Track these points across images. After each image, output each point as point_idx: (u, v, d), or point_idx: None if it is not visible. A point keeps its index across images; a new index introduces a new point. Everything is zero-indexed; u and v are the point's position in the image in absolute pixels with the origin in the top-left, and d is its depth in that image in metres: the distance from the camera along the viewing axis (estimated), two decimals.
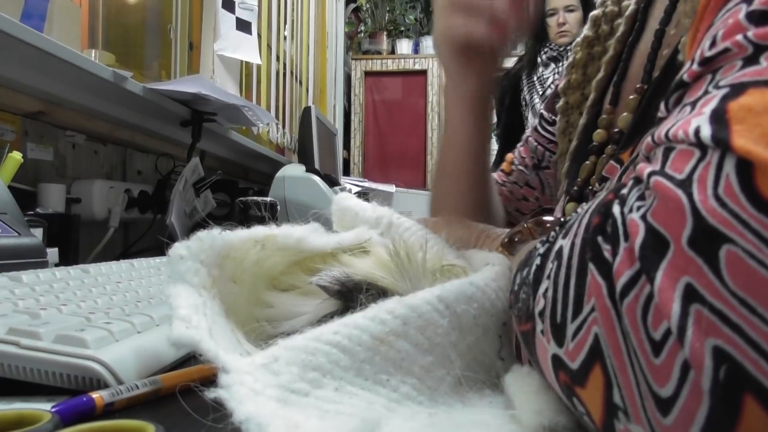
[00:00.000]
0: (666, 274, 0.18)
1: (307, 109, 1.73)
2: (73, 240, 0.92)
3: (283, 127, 2.29)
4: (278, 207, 1.07)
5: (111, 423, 0.26)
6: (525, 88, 2.43)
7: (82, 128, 1.09)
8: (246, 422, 0.22)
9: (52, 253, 0.75)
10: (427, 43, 3.82)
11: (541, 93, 2.34)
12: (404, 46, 3.86)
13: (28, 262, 0.61)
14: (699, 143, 0.19)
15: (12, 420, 0.25)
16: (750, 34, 0.20)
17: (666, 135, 0.21)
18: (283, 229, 0.37)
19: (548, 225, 0.40)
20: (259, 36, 1.80)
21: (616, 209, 0.21)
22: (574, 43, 0.55)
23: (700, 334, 0.17)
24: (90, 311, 0.39)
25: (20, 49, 0.77)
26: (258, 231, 0.36)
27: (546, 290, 0.24)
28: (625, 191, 0.22)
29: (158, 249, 1.16)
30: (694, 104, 0.21)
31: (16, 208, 0.68)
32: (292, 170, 1.50)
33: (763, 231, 0.16)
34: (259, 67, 1.92)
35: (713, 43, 0.22)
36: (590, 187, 0.47)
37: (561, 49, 2.32)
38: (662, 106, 0.25)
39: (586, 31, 0.54)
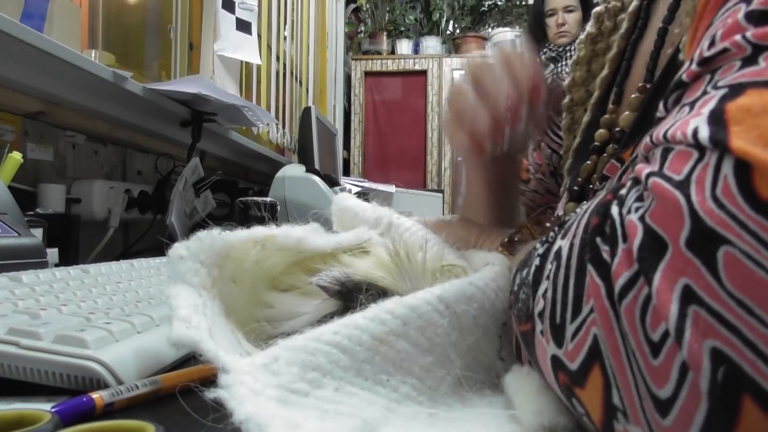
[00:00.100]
0: (664, 276, 0.18)
1: (307, 109, 1.73)
2: (73, 240, 0.92)
3: (283, 127, 2.29)
4: (278, 207, 1.07)
5: (111, 423, 0.26)
6: None
7: (82, 128, 1.09)
8: (246, 422, 0.22)
9: (52, 253, 0.75)
10: (427, 44, 3.82)
11: None
12: (404, 46, 3.85)
13: (28, 262, 0.61)
14: (697, 144, 0.19)
15: (12, 420, 0.25)
16: (749, 34, 0.20)
17: (664, 136, 0.21)
18: (283, 230, 0.37)
19: (548, 225, 0.40)
20: (259, 36, 1.80)
21: (614, 210, 0.21)
22: (578, 41, 0.55)
23: (698, 336, 0.17)
24: (90, 311, 0.39)
25: (20, 49, 0.77)
26: (258, 231, 0.36)
27: (545, 291, 0.24)
28: (623, 192, 0.22)
29: (158, 249, 1.16)
30: (692, 104, 0.21)
31: (16, 208, 0.68)
32: (292, 170, 1.50)
33: (761, 232, 0.16)
34: (259, 67, 1.92)
35: (712, 43, 0.22)
36: (591, 186, 0.47)
37: (560, 49, 2.32)
38: (661, 105, 0.25)
39: (589, 28, 0.54)
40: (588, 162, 0.47)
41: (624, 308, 0.19)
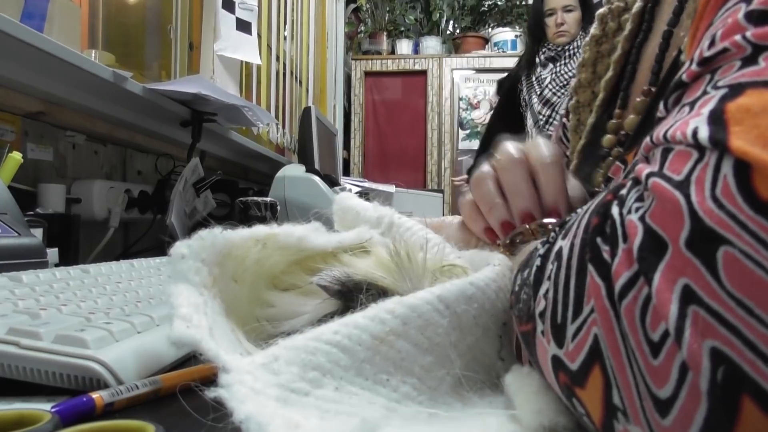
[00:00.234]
0: (664, 276, 0.18)
1: (307, 109, 1.73)
2: (73, 240, 0.92)
3: (283, 127, 2.29)
4: (278, 207, 1.07)
5: (111, 423, 0.26)
6: (524, 89, 2.43)
7: (82, 128, 1.09)
8: (246, 422, 0.22)
9: (52, 253, 0.75)
10: (427, 43, 3.82)
11: (539, 93, 2.34)
12: (404, 46, 3.86)
13: (28, 262, 0.61)
14: (697, 144, 0.19)
15: (12, 420, 0.26)
16: (749, 34, 0.20)
17: (664, 136, 0.21)
18: (285, 228, 0.37)
19: (549, 226, 0.40)
20: (259, 36, 1.80)
21: (614, 210, 0.21)
22: (583, 43, 0.55)
23: (697, 336, 0.17)
24: (90, 311, 0.39)
25: (20, 49, 0.77)
26: (259, 230, 0.36)
27: (546, 291, 0.24)
28: (623, 192, 0.22)
29: (158, 249, 1.16)
30: (692, 105, 0.21)
31: (16, 208, 0.68)
32: (292, 170, 1.50)
33: (761, 232, 0.16)
34: (259, 67, 1.92)
35: (712, 43, 0.22)
36: (596, 189, 0.47)
37: (559, 48, 2.32)
38: (661, 106, 0.25)
39: (594, 30, 0.54)
40: (599, 170, 0.47)
41: (624, 308, 0.19)
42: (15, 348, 0.32)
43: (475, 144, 3.55)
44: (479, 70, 3.72)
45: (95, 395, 0.29)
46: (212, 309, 0.32)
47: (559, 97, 2.28)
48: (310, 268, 0.38)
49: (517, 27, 3.82)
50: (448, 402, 0.29)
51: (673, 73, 0.40)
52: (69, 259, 0.87)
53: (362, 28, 4.03)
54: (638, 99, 0.43)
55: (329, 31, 3.18)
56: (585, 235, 0.22)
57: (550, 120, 2.29)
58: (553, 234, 0.27)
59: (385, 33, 3.88)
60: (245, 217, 1.01)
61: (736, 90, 0.19)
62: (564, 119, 0.67)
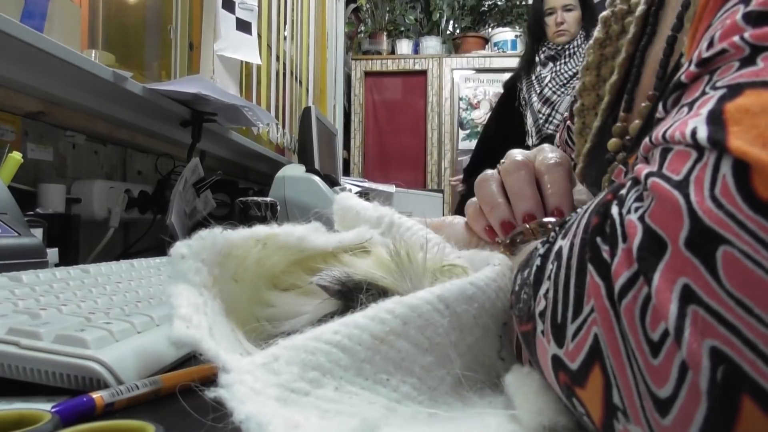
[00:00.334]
0: (663, 275, 0.18)
1: (307, 109, 1.73)
2: (73, 240, 0.92)
3: (283, 127, 2.29)
4: (278, 207, 1.07)
5: (111, 423, 0.26)
6: (524, 88, 2.43)
7: (82, 128, 1.09)
8: (246, 421, 0.22)
9: (52, 253, 0.75)
10: (427, 43, 3.82)
11: (539, 91, 2.34)
12: (404, 46, 3.86)
13: (28, 262, 0.61)
14: (696, 144, 0.19)
15: (12, 420, 0.26)
16: (747, 35, 0.20)
17: (663, 136, 0.21)
18: (285, 228, 0.37)
19: (549, 225, 0.40)
20: (259, 36, 1.80)
21: (614, 210, 0.22)
22: (587, 46, 0.55)
23: (697, 335, 0.17)
24: (90, 311, 0.39)
25: (20, 49, 0.77)
26: (260, 230, 0.36)
27: (547, 291, 0.24)
28: (623, 192, 0.22)
29: (158, 249, 1.16)
30: (691, 105, 0.21)
31: (16, 208, 0.68)
32: (292, 170, 1.50)
33: (760, 232, 0.16)
34: (259, 67, 1.92)
35: (711, 44, 0.22)
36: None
37: (559, 48, 2.32)
38: (660, 106, 0.25)
39: (597, 33, 0.54)
40: (607, 174, 0.47)
41: (624, 308, 0.19)
42: (15, 348, 0.32)
43: (475, 144, 3.55)
44: (479, 70, 3.73)
45: (95, 395, 0.29)
46: (212, 309, 0.32)
47: (559, 95, 2.28)
48: (311, 268, 0.38)
49: (517, 27, 3.82)
50: (448, 402, 0.29)
51: (673, 77, 0.40)
52: (69, 259, 0.87)
53: (362, 28, 4.03)
54: (643, 104, 0.43)
55: (329, 31, 3.18)
56: (585, 235, 0.22)
57: (550, 119, 2.29)
58: (553, 234, 0.27)
59: (385, 33, 3.88)
60: (245, 217, 1.01)
61: (734, 90, 0.19)
62: (568, 122, 0.67)
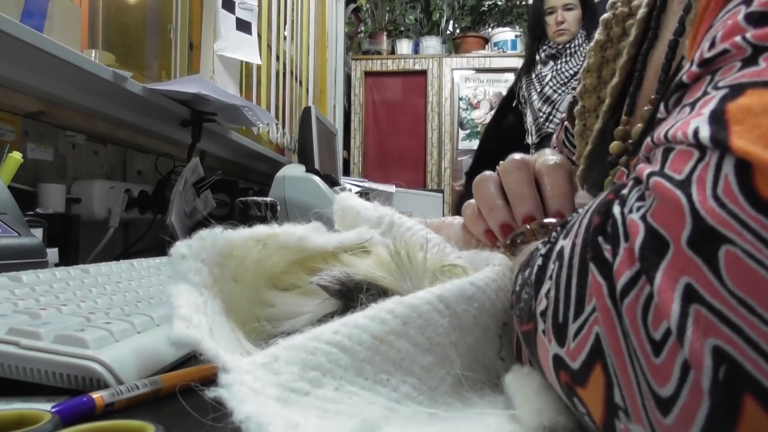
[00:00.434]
0: (665, 275, 0.18)
1: (307, 109, 1.73)
2: (73, 240, 0.92)
3: (283, 127, 2.29)
4: (278, 207, 1.07)
5: (111, 423, 0.26)
6: (524, 86, 2.44)
7: (82, 128, 1.09)
8: (246, 421, 0.22)
9: (52, 253, 0.75)
10: (427, 43, 3.82)
11: (539, 90, 2.34)
12: (404, 46, 3.86)
13: (28, 262, 0.61)
14: (698, 144, 0.19)
15: (12, 420, 0.25)
16: (749, 35, 0.20)
17: (665, 136, 0.21)
18: (285, 228, 0.37)
19: (550, 226, 0.40)
20: (259, 36, 1.80)
21: (616, 209, 0.22)
22: (588, 48, 0.55)
23: (699, 334, 0.17)
24: (90, 311, 0.39)
25: (20, 49, 0.77)
26: (260, 230, 0.36)
27: (548, 290, 0.24)
28: (625, 191, 0.22)
29: (158, 249, 1.16)
30: (693, 105, 0.21)
31: (16, 208, 0.68)
32: (292, 170, 1.50)
33: (762, 231, 0.16)
34: (259, 67, 1.92)
35: (712, 45, 0.22)
36: None
37: (559, 47, 2.33)
38: (662, 107, 0.25)
39: (598, 35, 0.54)
40: (609, 177, 0.47)
41: (626, 307, 0.19)
42: (15, 348, 0.32)
43: (475, 144, 3.55)
44: (479, 70, 3.73)
45: (95, 395, 0.29)
46: (212, 309, 0.32)
47: (559, 94, 2.29)
48: (311, 268, 0.38)
49: (517, 27, 3.82)
50: (448, 402, 0.29)
51: (674, 80, 0.40)
52: (69, 259, 0.87)
53: (362, 28, 4.03)
54: (645, 108, 0.43)
55: (329, 31, 3.18)
56: (586, 235, 0.22)
57: (550, 117, 2.30)
58: (554, 234, 0.27)
59: (385, 33, 3.88)
60: (245, 217, 1.01)
61: (736, 90, 0.19)
62: (566, 123, 0.67)
